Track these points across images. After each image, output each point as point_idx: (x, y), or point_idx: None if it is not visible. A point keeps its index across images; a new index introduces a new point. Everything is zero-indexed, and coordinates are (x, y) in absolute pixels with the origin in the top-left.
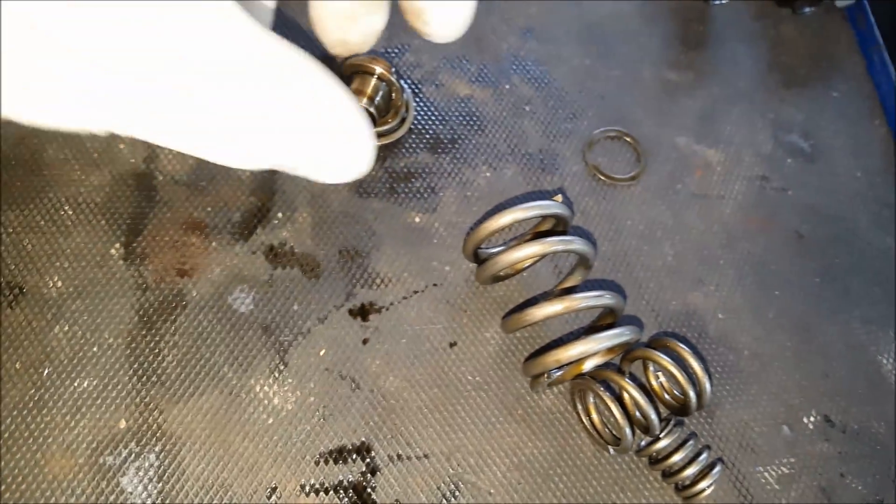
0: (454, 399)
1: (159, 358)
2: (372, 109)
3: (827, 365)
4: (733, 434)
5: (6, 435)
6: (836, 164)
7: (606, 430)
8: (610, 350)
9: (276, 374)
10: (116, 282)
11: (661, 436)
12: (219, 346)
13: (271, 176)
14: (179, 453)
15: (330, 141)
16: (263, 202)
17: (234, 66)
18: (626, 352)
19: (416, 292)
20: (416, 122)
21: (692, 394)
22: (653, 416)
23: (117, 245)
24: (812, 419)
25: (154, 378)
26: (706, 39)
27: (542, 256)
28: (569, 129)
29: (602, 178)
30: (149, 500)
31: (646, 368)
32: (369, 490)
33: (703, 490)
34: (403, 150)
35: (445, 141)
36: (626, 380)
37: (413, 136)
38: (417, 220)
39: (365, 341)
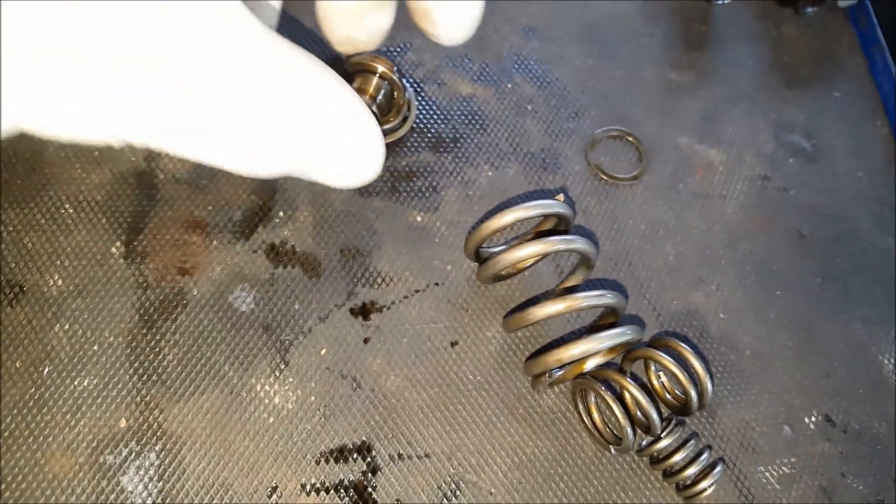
0: (455, 398)
1: (160, 357)
2: (374, 108)
3: (828, 365)
4: (734, 434)
5: (6, 433)
6: (837, 164)
7: (608, 429)
8: (611, 349)
9: (277, 373)
10: (117, 280)
11: (662, 435)
12: (220, 344)
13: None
14: (180, 452)
15: (334, 142)
16: (264, 201)
17: (234, 65)
18: (628, 351)
19: (417, 291)
20: (418, 120)
21: (693, 393)
22: (654, 415)
23: (118, 243)
24: (813, 419)
25: (155, 377)
26: (708, 39)
27: (544, 256)
28: (571, 129)
29: (604, 177)
30: (149, 499)
31: (647, 368)
32: (370, 489)
33: (704, 490)
34: (405, 149)
35: (447, 140)
36: (628, 379)
37: (415, 135)
38: (419, 219)
39: (366, 340)
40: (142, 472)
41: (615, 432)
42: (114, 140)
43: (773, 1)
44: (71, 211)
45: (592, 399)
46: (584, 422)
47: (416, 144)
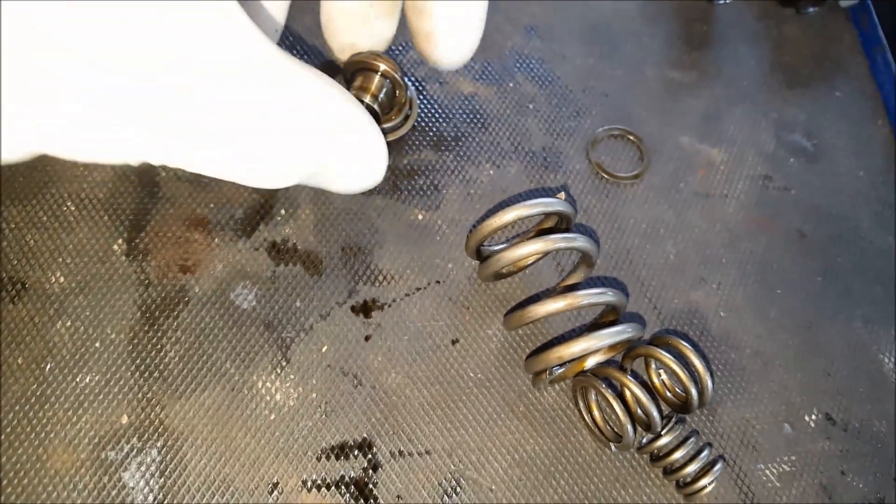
0: (456, 396)
1: (161, 354)
2: (376, 107)
3: (828, 363)
4: (735, 432)
5: (8, 430)
6: (838, 163)
7: (608, 427)
8: (612, 347)
9: (279, 371)
10: (119, 278)
11: (662, 433)
12: (221, 342)
13: None
14: (181, 449)
15: (334, 142)
16: (266, 199)
17: (234, 66)
18: (628, 349)
19: (418, 289)
20: (419, 119)
21: (694, 391)
22: (654, 413)
23: (120, 241)
24: (813, 417)
25: (156, 374)
26: (709, 39)
27: (545, 254)
28: (572, 128)
29: (605, 176)
30: (150, 496)
31: (647, 366)
32: (371, 486)
33: (704, 487)
34: (407, 148)
35: (449, 138)
36: (628, 377)
37: (416, 134)
38: (420, 217)
39: (367, 338)
40: (143, 469)
41: (615, 430)
42: (132, 161)
43: (775, 1)
44: (73, 208)
45: (593, 396)
46: (584, 419)
47: (417, 143)
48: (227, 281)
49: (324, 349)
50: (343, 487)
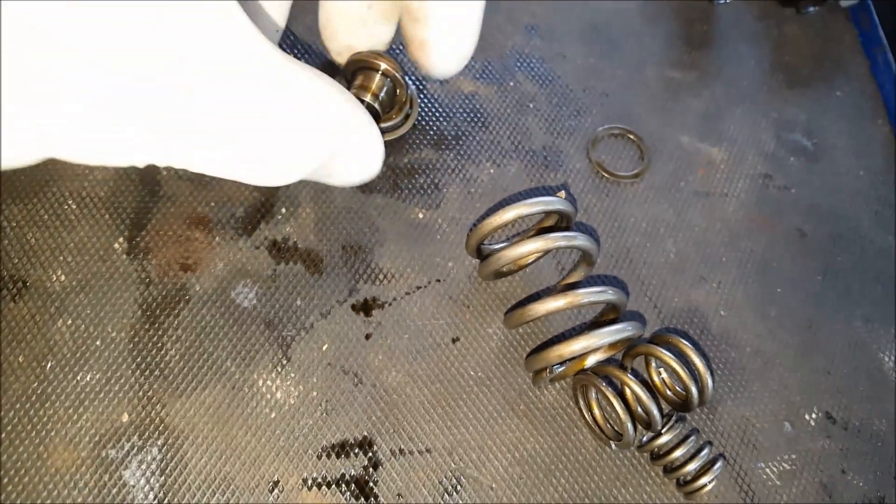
0: (456, 394)
1: (162, 352)
2: (376, 105)
3: (828, 362)
4: (735, 430)
5: (9, 428)
6: (838, 163)
7: (608, 425)
8: (612, 346)
9: (279, 369)
10: (120, 276)
11: (662, 431)
12: (222, 340)
13: None
14: (182, 447)
15: (333, 141)
16: (267, 198)
17: (233, 66)
18: (629, 348)
19: (418, 288)
20: (420, 117)
21: (694, 390)
22: (655, 411)
23: (121, 239)
24: (814, 416)
25: (157, 372)
26: (710, 39)
27: (546, 252)
28: (572, 127)
29: (605, 175)
30: (151, 494)
31: (648, 364)
32: (371, 484)
33: (705, 486)
34: (407, 146)
35: (449, 137)
36: (629, 375)
37: (417, 133)
38: (421, 216)
39: (368, 336)
40: (144, 467)
41: (616, 428)
42: (138, 163)
43: (775, 1)
44: (74, 207)
45: (593, 395)
46: (584, 417)
47: (418, 141)
48: (227, 279)
49: (324, 347)
50: (344, 486)
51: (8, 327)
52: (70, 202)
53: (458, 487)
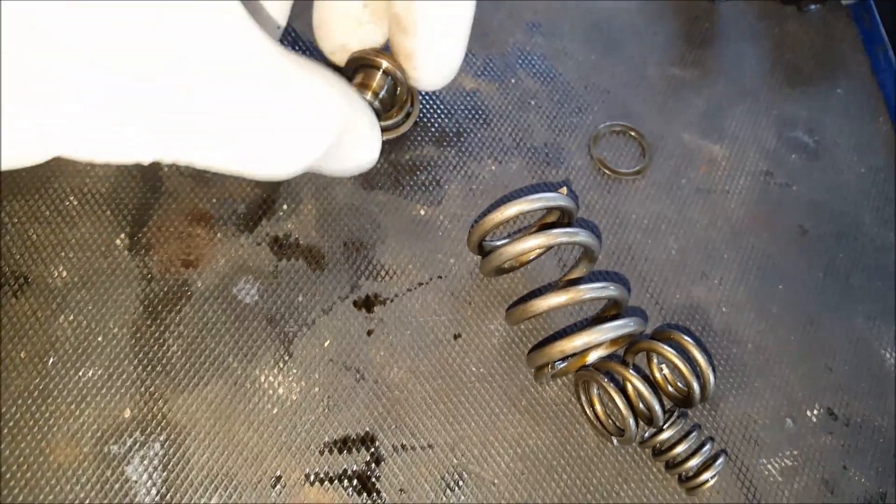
0: (458, 390)
1: (164, 348)
2: (376, 104)
3: (830, 359)
4: (736, 426)
5: (11, 424)
6: (840, 160)
7: (610, 421)
8: (614, 341)
9: (281, 365)
10: (121, 272)
11: (664, 427)
12: (224, 336)
13: None
14: (184, 443)
15: (333, 139)
16: (268, 194)
17: (234, 66)
18: (630, 343)
19: (420, 284)
20: (421, 115)
21: (696, 386)
22: (656, 407)
23: (122, 235)
24: (815, 412)
25: (159, 368)
26: (711, 37)
27: (547, 248)
28: (574, 124)
29: (607, 172)
30: (154, 489)
31: (650, 360)
32: (373, 479)
33: (707, 481)
34: (409, 143)
35: (451, 134)
36: (630, 371)
37: (418, 130)
38: (422, 212)
39: (369, 332)
40: (146, 462)
41: (617, 424)
42: (144, 160)
43: None
44: (75, 203)
45: (595, 391)
46: (586, 413)
47: (419, 138)
48: (229, 275)
49: (326, 344)
50: (346, 481)
51: (10, 323)
52: (72, 198)
53: (461, 483)
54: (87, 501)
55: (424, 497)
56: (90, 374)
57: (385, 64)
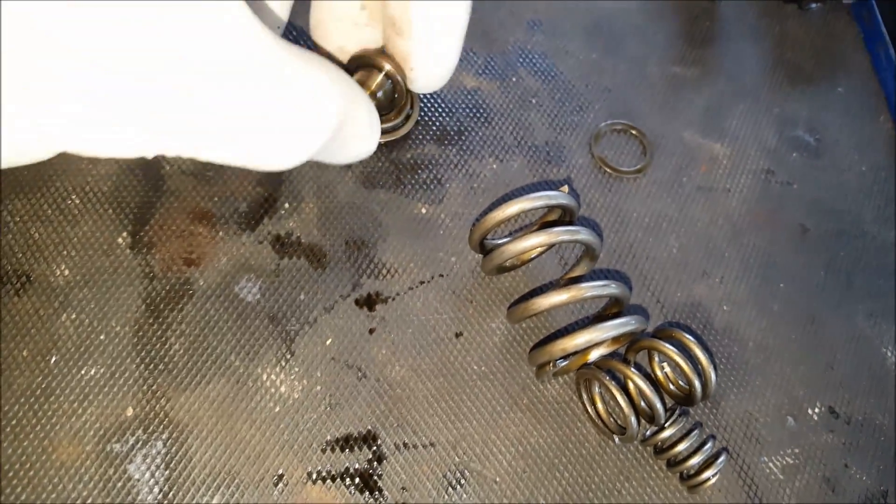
0: (460, 388)
1: (166, 346)
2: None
3: (831, 357)
4: (738, 424)
5: (14, 422)
6: (841, 159)
7: (612, 419)
8: (615, 339)
9: (283, 363)
10: (123, 271)
11: (666, 425)
12: (226, 334)
13: None
14: (186, 441)
15: (334, 139)
16: (270, 192)
17: (234, 65)
18: (632, 342)
19: (422, 283)
20: (422, 113)
21: (697, 384)
22: (658, 405)
23: (124, 234)
24: (816, 410)
25: (161, 366)
26: (712, 35)
27: (549, 247)
28: (575, 122)
29: (608, 170)
30: (156, 488)
31: (651, 358)
32: (376, 478)
33: (708, 479)
34: (410, 142)
35: (452, 133)
36: (632, 369)
37: (420, 128)
38: (424, 211)
39: (371, 331)
40: (148, 461)
41: (619, 422)
42: (148, 154)
43: None
44: (77, 201)
45: (596, 389)
46: (588, 411)
47: (420, 137)
48: (231, 274)
49: (328, 342)
50: (348, 479)
51: (12, 322)
52: (74, 197)
53: (462, 481)
54: (90, 500)
55: (426, 495)
56: (92, 372)
57: (387, 66)
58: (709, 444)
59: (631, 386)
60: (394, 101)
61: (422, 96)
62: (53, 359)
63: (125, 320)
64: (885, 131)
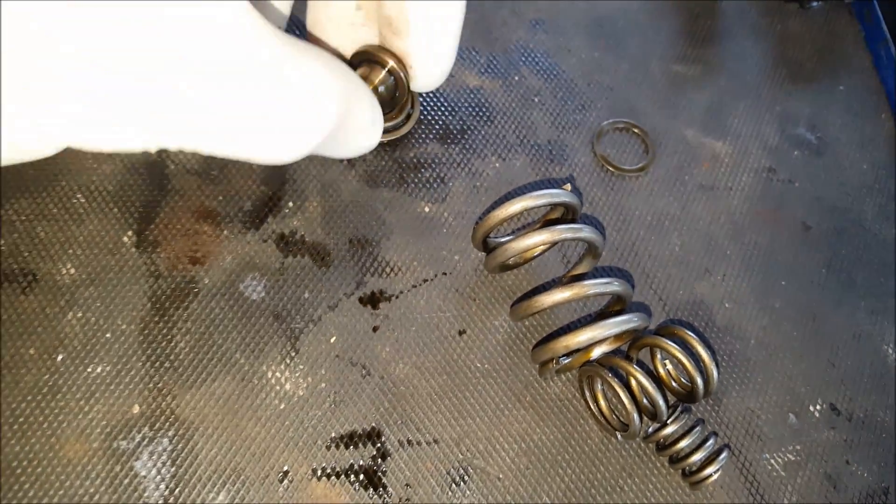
0: (463, 386)
1: (172, 344)
2: None
3: (833, 354)
4: (740, 421)
5: (21, 420)
6: (842, 156)
7: (614, 416)
8: (618, 337)
9: (288, 361)
10: (129, 269)
11: (668, 422)
12: (231, 332)
13: (282, 165)
14: (192, 438)
15: (334, 139)
16: (274, 191)
17: (234, 66)
18: (634, 339)
19: (425, 281)
20: (425, 112)
21: (699, 381)
22: (660, 402)
23: (130, 233)
24: (818, 407)
25: (167, 364)
26: (714, 34)
27: (552, 245)
28: (577, 121)
29: (610, 168)
30: (162, 484)
31: (653, 356)
32: (380, 474)
33: (710, 476)
34: (413, 141)
35: (455, 131)
36: (634, 366)
37: (423, 127)
38: (427, 209)
39: (375, 329)
40: (155, 458)
41: (622, 419)
42: (151, 148)
43: None
44: (83, 200)
45: (599, 386)
46: (590, 409)
47: (423, 136)
48: (236, 272)
49: (332, 340)
50: (353, 476)
51: (19, 320)
52: (79, 196)
53: (466, 478)
54: (97, 497)
55: (430, 491)
56: (99, 370)
57: (391, 63)
58: (711, 441)
59: (633, 383)
60: (395, 98)
61: (425, 95)
62: (60, 357)
63: (131, 318)
64: (886, 129)
